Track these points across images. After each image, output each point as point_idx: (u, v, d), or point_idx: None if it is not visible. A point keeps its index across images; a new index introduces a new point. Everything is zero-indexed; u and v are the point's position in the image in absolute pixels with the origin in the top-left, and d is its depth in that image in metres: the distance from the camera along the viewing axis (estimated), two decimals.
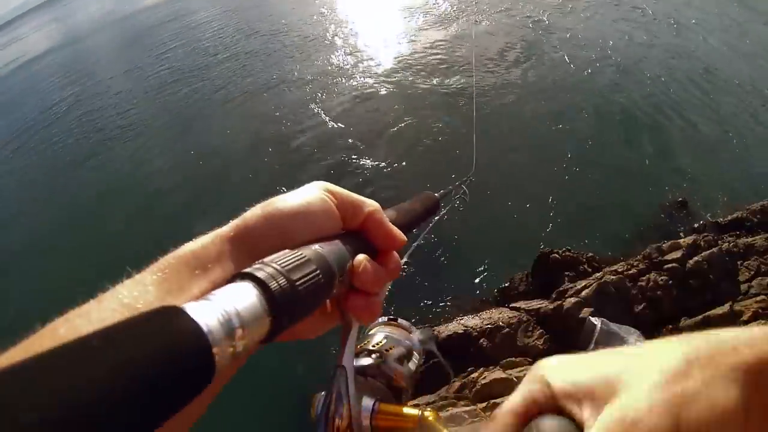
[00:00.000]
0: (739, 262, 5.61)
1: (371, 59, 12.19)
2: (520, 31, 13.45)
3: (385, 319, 0.54)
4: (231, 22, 17.62)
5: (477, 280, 5.21)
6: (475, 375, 3.80)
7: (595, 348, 4.33)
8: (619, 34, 14.54)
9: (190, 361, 0.19)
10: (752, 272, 5.49)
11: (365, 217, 0.39)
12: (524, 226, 6.09)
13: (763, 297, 5.13)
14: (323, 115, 9.53)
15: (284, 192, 0.38)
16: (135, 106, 12.11)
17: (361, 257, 0.36)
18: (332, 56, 12.70)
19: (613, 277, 5.00)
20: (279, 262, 0.27)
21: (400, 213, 0.49)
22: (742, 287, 5.32)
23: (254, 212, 0.36)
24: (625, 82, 11.20)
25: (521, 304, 4.52)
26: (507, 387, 3.89)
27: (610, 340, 4.46)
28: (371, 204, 0.40)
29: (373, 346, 0.47)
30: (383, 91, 10.25)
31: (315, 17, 16.62)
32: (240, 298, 0.23)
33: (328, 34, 14.53)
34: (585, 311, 4.59)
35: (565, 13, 15.74)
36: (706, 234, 5.93)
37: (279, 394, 4.41)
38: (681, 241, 5.72)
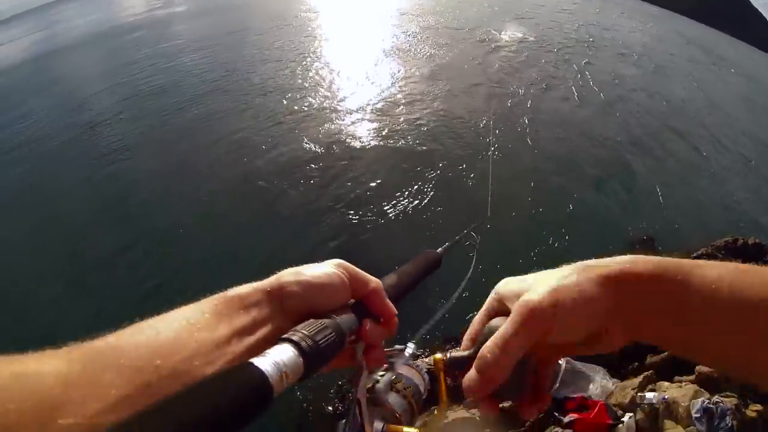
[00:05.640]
0: None
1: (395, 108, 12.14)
2: (534, 88, 14.16)
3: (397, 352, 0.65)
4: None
5: (443, 318, 5.26)
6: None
7: (561, 386, 4.37)
8: (616, 83, 15.67)
9: (259, 394, 0.30)
10: None
11: (369, 291, 0.50)
12: (488, 266, 6.22)
13: None
14: (339, 170, 9.33)
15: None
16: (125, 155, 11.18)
17: (369, 322, 0.48)
18: (347, 111, 12.34)
19: None
20: (307, 329, 0.39)
21: (401, 277, 0.60)
22: None
23: (288, 277, 0.46)
24: (612, 128, 11.93)
25: None
26: (471, 426, 3.88)
27: (575, 378, 4.47)
28: (374, 281, 0.52)
29: (384, 382, 0.57)
30: (400, 143, 10.24)
31: (316, 64, 16.24)
32: (284, 354, 0.35)
33: (340, 88, 14.09)
34: None
35: (576, 66, 16.93)
36: None
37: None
38: None
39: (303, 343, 0.37)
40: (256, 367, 0.32)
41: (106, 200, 8.95)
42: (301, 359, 0.36)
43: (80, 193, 9.34)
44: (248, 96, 13.25)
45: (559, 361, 4.65)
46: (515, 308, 0.45)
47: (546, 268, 0.51)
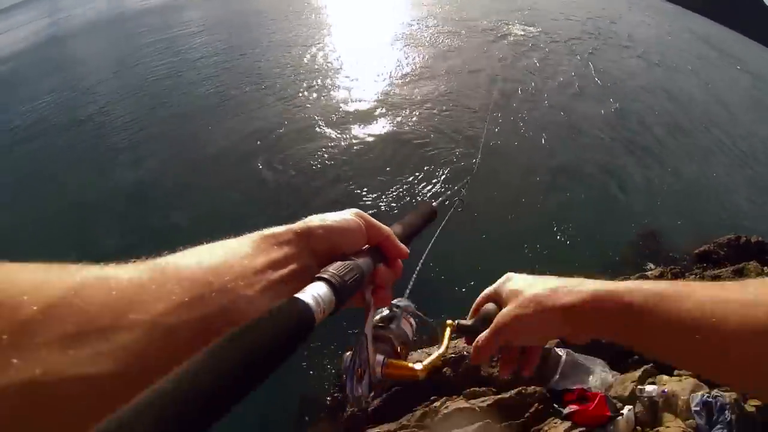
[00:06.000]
0: None
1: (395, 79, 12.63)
2: (537, 73, 14.29)
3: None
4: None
5: (443, 307, 5.27)
6: (437, 404, 3.84)
7: (561, 378, 4.38)
8: (620, 75, 15.57)
9: (305, 321, 0.36)
10: None
11: (383, 238, 0.57)
12: (496, 254, 6.25)
13: None
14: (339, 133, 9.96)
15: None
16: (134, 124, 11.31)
17: (381, 266, 0.55)
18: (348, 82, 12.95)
19: None
20: (337, 269, 0.45)
21: (404, 226, 0.68)
22: None
23: (314, 222, 0.52)
24: (617, 120, 11.89)
25: None
26: (469, 417, 3.90)
27: (575, 370, 4.47)
28: (386, 229, 0.58)
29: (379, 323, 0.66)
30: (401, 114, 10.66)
31: (312, 41, 16.94)
32: (320, 290, 0.41)
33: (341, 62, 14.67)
34: (551, 342, 4.66)
35: (579, 53, 16.98)
36: (673, 266, 6.07)
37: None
38: (648, 273, 5.85)
39: (334, 281, 0.43)
40: (303, 300, 0.38)
41: (117, 185, 8.98)
42: (333, 295, 0.42)
43: (89, 174, 9.39)
44: (259, 78, 13.33)
45: (560, 353, 4.68)
46: (496, 320, 0.71)
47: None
